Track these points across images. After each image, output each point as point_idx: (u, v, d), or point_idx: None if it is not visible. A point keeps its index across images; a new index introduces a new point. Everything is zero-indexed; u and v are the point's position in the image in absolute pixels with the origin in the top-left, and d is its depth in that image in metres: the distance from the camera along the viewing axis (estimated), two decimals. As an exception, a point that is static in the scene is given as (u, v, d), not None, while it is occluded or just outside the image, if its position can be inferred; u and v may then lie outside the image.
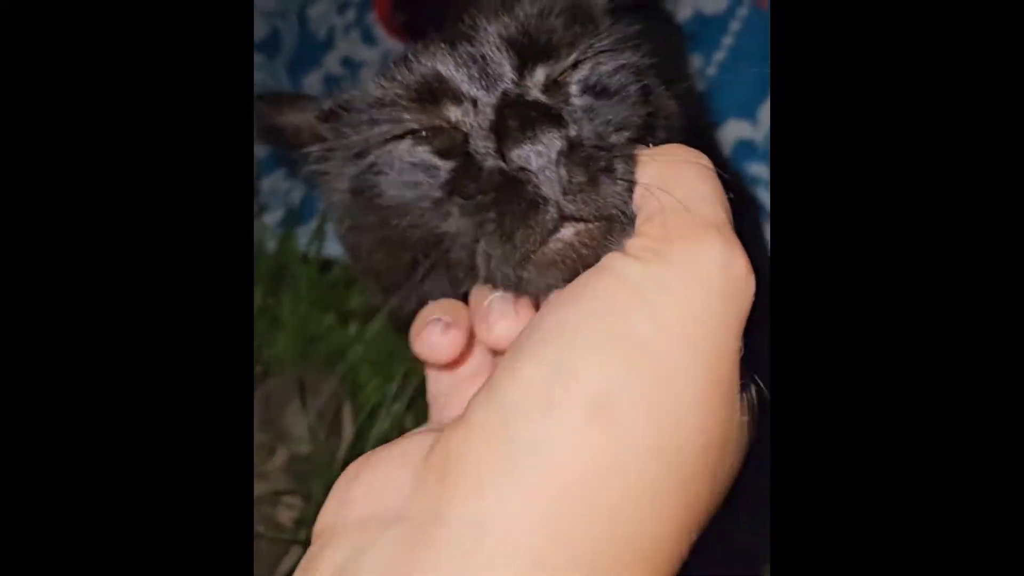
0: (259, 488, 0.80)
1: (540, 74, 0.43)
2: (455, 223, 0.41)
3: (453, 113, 0.43)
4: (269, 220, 1.11)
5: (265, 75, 1.30)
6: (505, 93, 0.42)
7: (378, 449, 0.35)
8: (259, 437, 0.87)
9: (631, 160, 0.39)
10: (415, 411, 0.79)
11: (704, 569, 0.34)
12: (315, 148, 0.51)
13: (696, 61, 1.06)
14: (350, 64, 1.25)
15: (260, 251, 1.02)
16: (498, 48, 0.43)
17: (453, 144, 0.42)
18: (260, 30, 1.33)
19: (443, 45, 0.44)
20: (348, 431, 0.87)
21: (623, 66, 0.46)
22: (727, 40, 0.97)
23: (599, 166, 0.37)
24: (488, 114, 0.41)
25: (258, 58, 1.30)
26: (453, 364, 0.45)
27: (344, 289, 0.95)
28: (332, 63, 1.26)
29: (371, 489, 0.33)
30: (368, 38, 1.26)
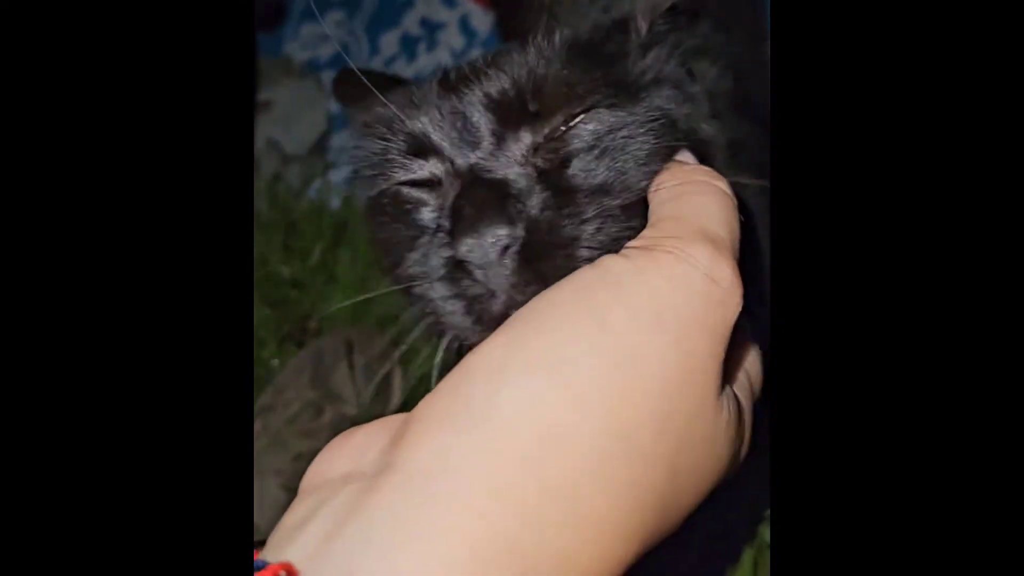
0: (304, 446, 0.80)
1: (526, 137, 0.40)
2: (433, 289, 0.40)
3: (439, 169, 0.42)
4: (335, 177, 1.11)
5: (344, 32, 1.29)
6: (472, 168, 0.39)
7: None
8: (309, 394, 0.87)
9: (623, 219, 0.38)
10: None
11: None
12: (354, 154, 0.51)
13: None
14: (428, 25, 1.23)
15: (324, 208, 1.02)
16: (478, 109, 0.40)
17: (439, 206, 0.41)
18: (342, -15, 1.32)
19: (436, 97, 0.42)
20: (396, 398, 0.86)
21: (629, 116, 0.41)
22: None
23: (555, 263, 0.36)
24: (456, 188, 0.39)
25: (337, 15, 1.29)
26: None
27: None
28: (411, 23, 1.24)
29: (351, 451, 0.34)
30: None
